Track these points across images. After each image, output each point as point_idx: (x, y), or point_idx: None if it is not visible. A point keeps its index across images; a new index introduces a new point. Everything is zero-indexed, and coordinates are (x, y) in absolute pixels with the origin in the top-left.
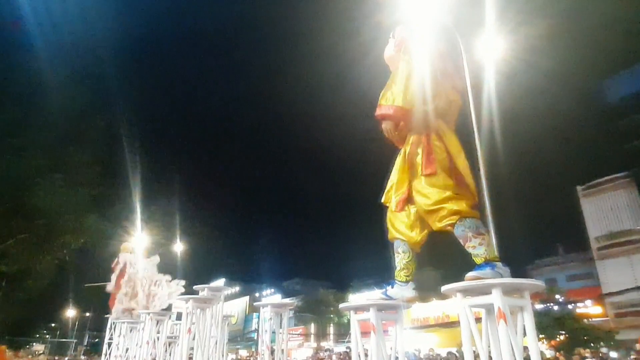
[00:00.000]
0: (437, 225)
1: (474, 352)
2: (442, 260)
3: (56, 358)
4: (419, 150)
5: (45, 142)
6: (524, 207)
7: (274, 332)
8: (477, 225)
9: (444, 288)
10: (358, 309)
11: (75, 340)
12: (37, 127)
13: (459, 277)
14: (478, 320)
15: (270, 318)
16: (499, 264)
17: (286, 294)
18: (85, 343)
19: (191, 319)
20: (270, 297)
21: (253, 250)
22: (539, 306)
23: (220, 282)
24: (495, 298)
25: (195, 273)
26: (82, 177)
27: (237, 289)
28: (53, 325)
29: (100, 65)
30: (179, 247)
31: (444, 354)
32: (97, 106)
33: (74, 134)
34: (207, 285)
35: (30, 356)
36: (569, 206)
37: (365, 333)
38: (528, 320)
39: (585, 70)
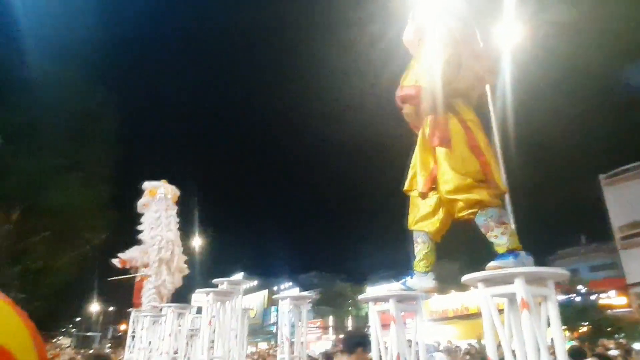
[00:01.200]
0: (459, 215)
1: (496, 343)
2: (461, 251)
3: (82, 351)
4: (436, 128)
5: (61, 142)
6: (544, 196)
7: (293, 325)
8: (500, 215)
9: (464, 278)
10: (377, 300)
11: (99, 334)
12: (52, 128)
13: (479, 268)
14: (500, 311)
15: (289, 311)
16: (522, 253)
17: (303, 287)
18: (110, 336)
19: (211, 312)
20: (288, 290)
21: (270, 244)
22: (561, 297)
23: (238, 276)
24: (518, 287)
25: (214, 267)
26: (98, 174)
27: (255, 282)
28: (78, 319)
29: (112, 65)
30: (197, 242)
31: (463, 346)
32: (110, 105)
33: (88, 133)
34: (226, 279)
35: (57, 349)
36: (591, 195)
37: (384, 325)
38: (552, 310)
39: (607, 57)
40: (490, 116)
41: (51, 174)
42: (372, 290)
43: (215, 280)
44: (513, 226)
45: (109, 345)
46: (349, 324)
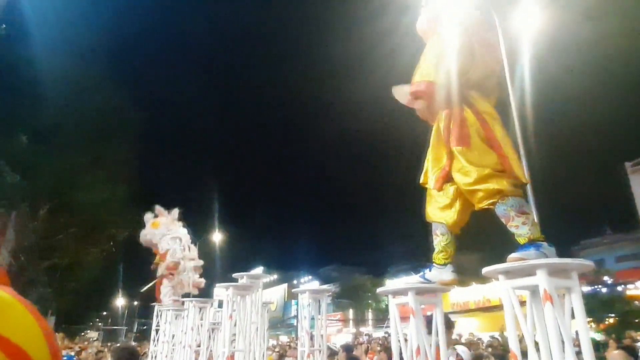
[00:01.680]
0: (479, 205)
1: (519, 335)
2: (482, 242)
3: (109, 344)
4: (452, 124)
5: (85, 141)
6: (568, 185)
7: (312, 318)
8: (520, 204)
9: (485, 270)
10: (396, 293)
11: (125, 328)
12: (76, 127)
13: (501, 259)
14: (522, 303)
15: (309, 304)
16: (544, 244)
17: (323, 281)
18: (135, 330)
19: (232, 306)
20: (308, 284)
21: (290, 238)
22: (586, 288)
23: (258, 270)
24: (541, 279)
25: (234, 261)
26: (122, 172)
27: (275, 276)
28: (104, 313)
29: (134, 65)
30: (217, 236)
31: (485, 339)
32: (132, 104)
33: (110, 131)
34: (246, 273)
35: (85, 342)
36: (617, 183)
37: (403, 318)
38: (576, 302)
39: (632, 41)
40: (510, 105)
41: (76, 172)
42: (391, 283)
43: (235, 275)
44: (535, 216)
45: (135, 338)
46: (369, 316)
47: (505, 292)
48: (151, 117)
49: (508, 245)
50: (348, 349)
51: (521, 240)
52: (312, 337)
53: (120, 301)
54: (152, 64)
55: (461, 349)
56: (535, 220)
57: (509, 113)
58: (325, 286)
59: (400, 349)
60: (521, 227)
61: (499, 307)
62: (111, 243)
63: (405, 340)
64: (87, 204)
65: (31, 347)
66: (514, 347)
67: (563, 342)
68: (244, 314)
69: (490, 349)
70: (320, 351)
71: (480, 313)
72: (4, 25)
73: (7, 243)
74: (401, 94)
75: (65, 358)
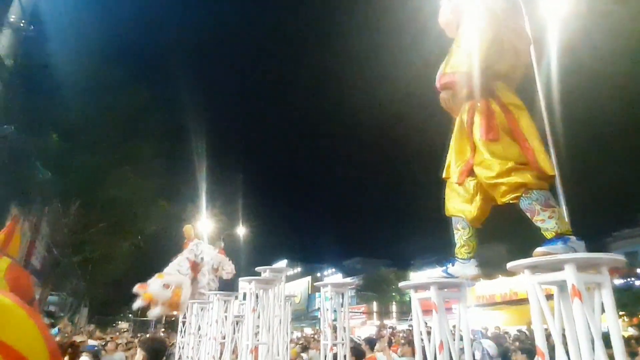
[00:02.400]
0: (501, 199)
1: (546, 330)
2: (508, 234)
3: (139, 335)
4: (477, 116)
5: (113, 138)
6: (599, 174)
7: (335, 311)
8: (546, 197)
9: (510, 265)
10: (418, 287)
11: (154, 319)
12: (105, 124)
13: (528, 251)
14: (549, 297)
15: (331, 297)
16: (573, 237)
17: (347, 273)
18: (163, 321)
19: (255, 299)
20: (332, 276)
21: (314, 231)
22: (618, 281)
23: (282, 263)
24: (569, 274)
25: (258, 255)
26: (148, 168)
27: (299, 269)
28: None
29: (161, 62)
30: (241, 230)
31: (512, 332)
32: (158, 101)
33: (138, 128)
34: (268, 267)
35: (117, 333)
36: None
37: (428, 311)
38: (606, 298)
39: None
40: (538, 93)
41: (105, 169)
42: (415, 276)
43: (258, 269)
44: (564, 208)
45: (163, 329)
46: (393, 309)
47: (531, 288)
48: (177, 113)
49: (536, 238)
50: (371, 342)
51: (548, 235)
52: (335, 330)
53: None
54: (177, 60)
55: (487, 344)
56: (563, 213)
57: (537, 101)
58: (347, 279)
59: (423, 344)
60: (547, 221)
61: (526, 301)
62: (139, 237)
63: (428, 333)
64: (116, 199)
65: (30, 352)
66: (540, 344)
67: (592, 339)
68: (267, 307)
69: (517, 343)
70: (343, 344)
71: (506, 306)
72: (32, 27)
73: (42, 238)
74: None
75: (87, 347)
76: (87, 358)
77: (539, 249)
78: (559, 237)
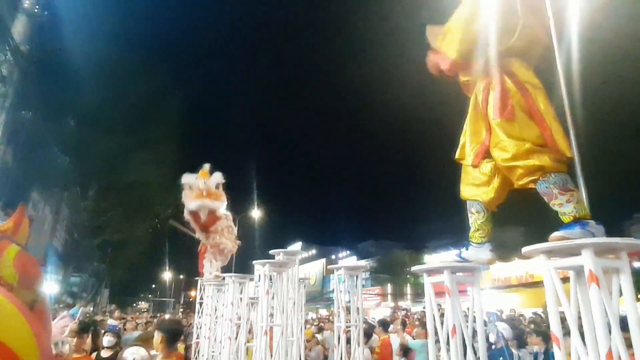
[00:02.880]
0: (518, 182)
1: (561, 314)
2: (524, 217)
3: (158, 315)
4: (492, 95)
5: (129, 122)
6: (620, 156)
7: (349, 292)
8: (564, 180)
9: (525, 249)
10: (431, 271)
11: (173, 300)
12: (121, 109)
13: (544, 235)
14: (565, 279)
15: (344, 280)
16: (591, 222)
17: (361, 256)
18: (182, 301)
19: (268, 282)
20: (346, 259)
21: (328, 213)
22: (638, 264)
23: (297, 245)
24: (586, 260)
25: (273, 238)
26: (164, 152)
27: (313, 251)
28: (153, 286)
29: (177, 45)
30: (256, 213)
31: (527, 315)
32: (174, 85)
33: (153, 112)
34: (282, 250)
35: (137, 313)
36: None
37: (441, 293)
38: (625, 283)
39: None
40: (557, 72)
41: (122, 153)
42: (430, 259)
43: (272, 251)
44: (583, 191)
45: (182, 309)
46: (408, 291)
47: (547, 273)
48: (192, 97)
49: (553, 221)
50: (384, 323)
51: (565, 219)
52: (349, 312)
53: (167, 275)
54: (193, 44)
55: (502, 326)
56: (582, 196)
57: (556, 81)
58: (361, 262)
59: (436, 328)
60: (565, 205)
61: (541, 283)
62: (156, 220)
63: (442, 316)
64: (132, 183)
65: (20, 348)
66: (555, 330)
67: (609, 325)
68: (281, 289)
69: (532, 326)
70: (356, 326)
71: (522, 289)
72: (46, 12)
73: (62, 222)
74: (433, 35)
75: (110, 327)
76: (110, 337)
77: (555, 234)
78: (577, 221)
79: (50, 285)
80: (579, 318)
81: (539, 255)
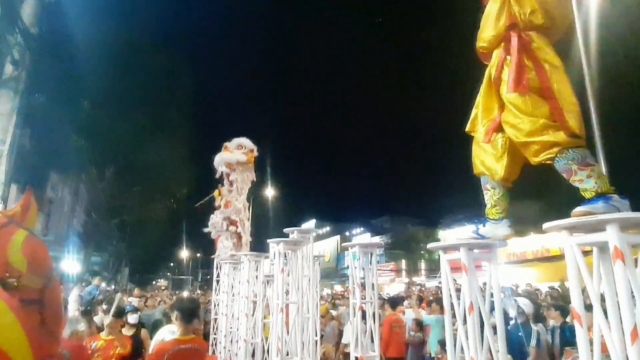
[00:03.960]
0: (534, 160)
1: (583, 291)
2: (542, 190)
3: (177, 292)
4: (506, 71)
5: (143, 103)
6: None
7: (364, 269)
8: (583, 156)
9: (546, 225)
10: (447, 248)
11: (191, 277)
12: (135, 90)
13: (563, 208)
14: (585, 252)
15: (359, 257)
16: (615, 196)
17: (375, 232)
18: (200, 279)
19: (283, 260)
20: (360, 235)
21: (342, 190)
22: None
23: (311, 223)
24: (611, 235)
25: (287, 216)
26: (178, 133)
27: (327, 229)
28: (171, 264)
29: (190, 26)
30: (270, 192)
31: (543, 289)
32: (187, 66)
33: (166, 93)
34: (296, 228)
35: (156, 291)
36: None
37: (457, 268)
38: None
39: None
40: (579, 48)
41: (136, 134)
42: (444, 235)
43: (286, 230)
44: (602, 167)
45: (200, 287)
46: (422, 266)
47: (569, 250)
48: (206, 77)
49: (572, 195)
50: (393, 302)
51: (587, 195)
52: (363, 289)
53: (185, 253)
54: (207, 24)
55: (523, 302)
56: (603, 171)
57: (576, 53)
58: (375, 239)
59: (452, 305)
60: (586, 181)
61: (559, 257)
62: (172, 200)
63: (458, 290)
64: (148, 164)
65: (10, 346)
66: (578, 308)
67: (635, 303)
68: (295, 267)
69: (549, 299)
70: (371, 303)
71: (538, 263)
72: None
73: (81, 203)
74: None
75: (128, 307)
76: (134, 315)
77: (578, 209)
78: (600, 196)
79: (72, 265)
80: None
81: (560, 231)
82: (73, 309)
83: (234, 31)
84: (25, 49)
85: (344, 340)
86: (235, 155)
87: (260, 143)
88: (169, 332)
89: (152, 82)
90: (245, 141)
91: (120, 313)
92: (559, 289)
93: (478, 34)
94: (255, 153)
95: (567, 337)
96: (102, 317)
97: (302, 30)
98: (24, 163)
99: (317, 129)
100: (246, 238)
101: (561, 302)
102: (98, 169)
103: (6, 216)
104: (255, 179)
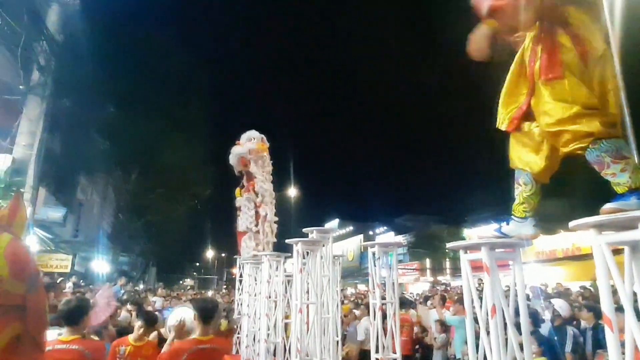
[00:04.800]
0: (564, 150)
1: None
2: (572, 187)
3: (202, 291)
4: (539, 51)
5: (165, 105)
6: None
7: (384, 268)
8: (618, 147)
9: (572, 223)
10: (468, 248)
11: (216, 277)
12: (156, 92)
13: (593, 206)
14: (614, 251)
15: (379, 257)
16: None
17: (398, 231)
18: (224, 278)
19: (302, 260)
20: (382, 234)
21: (365, 189)
22: None
23: (333, 223)
24: None
25: (310, 216)
26: (199, 132)
27: (350, 228)
28: (197, 264)
29: (211, 26)
30: (293, 192)
31: (574, 289)
32: (207, 66)
33: (187, 94)
34: (315, 228)
35: (182, 290)
36: None
37: (480, 267)
38: None
39: None
40: (607, 26)
41: (159, 136)
42: (469, 234)
43: (305, 230)
44: (636, 159)
45: (225, 286)
46: (447, 265)
47: (598, 249)
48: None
49: (604, 191)
50: (403, 302)
51: (619, 190)
52: (384, 289)
53: (210, 253)
54: (226, 23)
55: (559, 304)
56: (638, 164)
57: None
58: (396, 238)
59: (474, 307)
60: (620, 175)
61: (590, 256)
62: (195, 201)
63: (480, 292)
64: (170, 165)
65: None
66: (608, 312)
67: None
68: (314, 268)
69: (580, 299)
70: (392, 303)
71: (568, 262)
72: (78, 1)
73: (109, 204)
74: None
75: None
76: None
77: (608, 206)
78: (633, 191)
79: (101, 265)
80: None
81: (588, 229)
82: (104, 302)
83: (255, 29)
84: (50, 55)
85: (359, 337)
86: (246, 146)
87: (283, 143)
88: (183, 312)
89: (173, 83)
90: (253, 133)
91: (153, 321)
92: (590, 288)
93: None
94: (266, 143)
95: (600, 340)
96: (127, 317)
97: (325, 27)
98: (52, 167)
99: (340, 129)
100: (269, 230)
101: (593, 303)
102: (123, 171)
103: None
104: (271, 169)
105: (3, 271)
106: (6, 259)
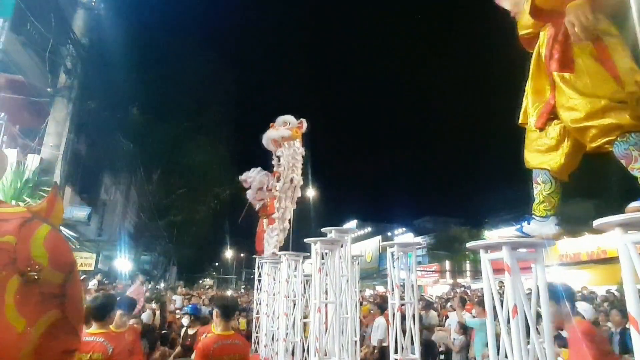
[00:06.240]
0: (591, 145)
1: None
2: (597, 187)
3: (222, 291)
4: (556, 46)
5: (186, 107)
6: None
7: (403, 269)
8: None
9: (597, 222)
10: (488, 247)
11: (235, 277)
12: (177, 94)
13: (620, 206)
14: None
15: (397, 258)
16: None
17: (418, 232)
18: (243, 278)
19: (320, 260)
20: (402, 235)
21: (384, 190)
22: None
23: (352, 223)
24: None
25: (329, 217)
26: (220, 134)
27: (369, 229)
28: (217, 264)
29: (232, 29)
30: (312, 192)
31: (599, 293)
32: (228, 69)
33: (208, 96)
34: (334, 228)
35: (201, 289)
36: None
37: (502, 270)
38: None
39: None
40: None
41: (181, 138)
42: (490, 235)
43: (323, 229)
44: None
45: (244, 286)
46: (467, 267)
47: (623, 249)
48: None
49: (629, 192)
50: (381, 307)
51: None
52: (403, 290)
53: (229, 253)
54: (249, 26)
55: (583, 307)
56: None
57: (630, 23)
58: (416, 239)
59: (495, 308)
60: None
61: (616, 259)
62: (216, 201)
63: (501, 294)
64: (192, 166)
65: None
66: (633, 312)
67: None
68: (333, 267)
69: (606, 304)
70: (411, 304)
71: (593, 265)
72: (102, 5)
73: (132, 205)
74: None
75: (188, 308)
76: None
77: (634, 204)
78: None
79: (124, 264)
80: None
81: (613, 228)
82: (137, 294)
83: (271, 29)
84: (77, 58)
85: (379, 336)
86: (280, 131)
87: (302, 143)
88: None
89: (195, 86)
90: (290, 118)
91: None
92: (615, 293)
93: (518, 21)
94: (304, 128)
95: (627, 343)
96: (149, 315)
97: (347, 25)
98: (77, 167)
99: (360, 131)
100: (287, 214)
101: (618, 307)
102: (146, 172)
103: (31, 212)
104: (304, 153)
105: (43, 260)
106: (46, 248)
